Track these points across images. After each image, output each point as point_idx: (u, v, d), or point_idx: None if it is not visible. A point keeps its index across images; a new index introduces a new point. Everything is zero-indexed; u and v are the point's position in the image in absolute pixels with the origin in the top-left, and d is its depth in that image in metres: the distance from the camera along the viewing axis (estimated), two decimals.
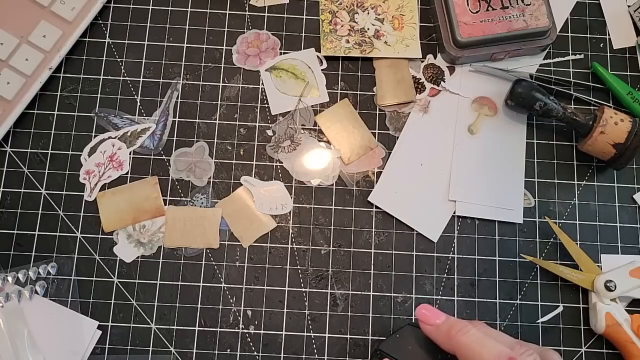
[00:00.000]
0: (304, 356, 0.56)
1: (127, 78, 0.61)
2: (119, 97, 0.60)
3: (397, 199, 0.59)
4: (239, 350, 0.56)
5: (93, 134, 0.60)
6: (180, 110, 0.60)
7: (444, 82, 0.62)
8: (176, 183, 0.59)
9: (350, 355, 0.56)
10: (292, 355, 0.56)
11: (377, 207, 0.59)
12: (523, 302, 0.57)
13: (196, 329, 0.56)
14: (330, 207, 0.59)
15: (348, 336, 0.56)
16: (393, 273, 0.57)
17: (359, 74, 0.62)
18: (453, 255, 0.58)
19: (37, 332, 0.54)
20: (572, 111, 0.57)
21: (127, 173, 0.59)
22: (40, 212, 0.58)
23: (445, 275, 0.58)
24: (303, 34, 0.62)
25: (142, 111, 0.60)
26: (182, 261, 0.57)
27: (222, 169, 0.59)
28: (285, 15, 0.63)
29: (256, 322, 0.56)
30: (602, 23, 0.64)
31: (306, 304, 0.57)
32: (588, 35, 0.63)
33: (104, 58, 0.61)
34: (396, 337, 0.52)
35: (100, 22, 0.62)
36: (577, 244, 0.57)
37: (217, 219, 0.58)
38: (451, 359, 0.50)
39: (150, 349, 0.55)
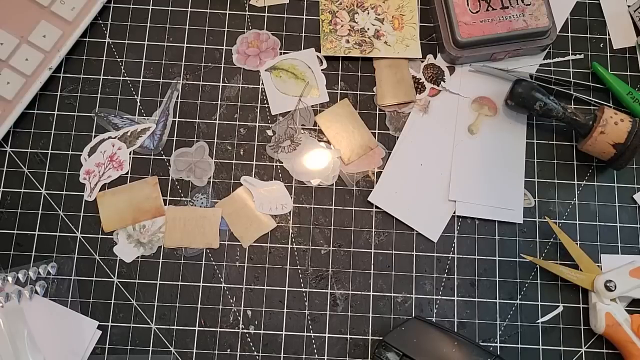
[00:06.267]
0: (304, 356, 0.56)
1: (127, 78, 0.61)
2: (119, 97, 0.60)
3: (397, 199, 0.59)
4: (239, 350, 0.56)
5: (93, 134, 0.60)
6: (180, 110, 0.60)
7: (444, 82, 0.62)
8: (176, 183, 0.59)
9: (350, 355, 0.56)
10: (292, 355, 0.56)
11: (377, 207, 0.59)
12: (523, 302, 0.57)
13: (196, 329, 0.56)
14: (330, 207, 0.59)
15: (348, 336, 0.56)
16: (393, 273, 0.57)
17: (359, 74, 0.62)
18: (453, 255, 0.58)
19: (37, 332, 0.54)
20: (572, 111, 0.57)
21: (127, 173, 0.59)
22: (40, 212, 0.58)
23: (445, 275, 0.58)
24: (303, 34, 0.62)
25: (142, 111, 0.60)
26: (182, 261, 0.57)
27: (222, 169, 0.59)
28: (285, 15, 0.63)
29: (256, 322, 0.56)
30: (602, 23, 0.64)
31: (306, 304, 0.57)
32: (588, 35, 0.63)
33: (104, 58, 0.61)
34: (401, 330, 0.52)
35: (100, 22, 0.62)
36: (577, 244, 0.57)
37: (217, 219, 0.58)
38: (455, 354, 0.50)
39: (150, 349, 0.55)
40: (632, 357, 0.53)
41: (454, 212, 0.59)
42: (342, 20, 0.62)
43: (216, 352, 0.55)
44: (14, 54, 0.58)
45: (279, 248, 0.58)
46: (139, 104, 0.60)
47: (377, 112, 0.61)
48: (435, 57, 0.62)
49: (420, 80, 0.62)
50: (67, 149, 0.59)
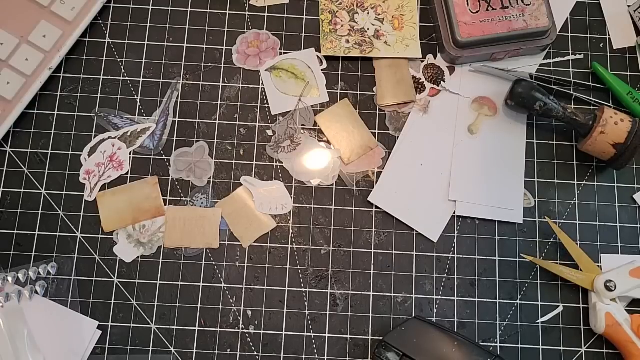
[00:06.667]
0: (304, 356, 0.56)
1: (127, 78, 0.61)
2: (119, 97, 0.60)
3: (397, 199, 0.59)
4: (239, 350, 0.56)
5: (93, 134, 0.60)
6: (180, 110, 0.60)
7: (444, 82, 0.62)
8: (176, 183, 0.59)
9: (350, 355, 0.56)
10: (292, 355, 0.56)
11: (377, 207, 0.59)
12: (523, 302, 0.57)
13: (196, 329, 0.56)
14: (330, 207, 0.59)
15: (348, 336, 0.56)
16: (393, 273, 0.57)
17: (359, 74, 0.62)
18: (453, 255, 0.58)
19: (37, 332, 0.54)
20: (572, 111, 0.57)
21: (127, 173, 0.59)
22: (40, 212, 0.58)
23: (445, 275, 0.58)
24: (303, 34, 0.62)
25: (142, 111, 0.60)
26: (182, 261, 0.57)
27: (222, 169, 0.59)
28: (285, 15, 0.63)
29: (256, 322, 0.56)
30: (602, 23, 0.64)
31: (306, 304, 0.57)
32: (588, 35, 0.63)
33: (104, 58, 0.61)
34: (402, 330, 0.52)
35: (100, 22, 0.62)
36: (577, 244, 0.57)
37: (217, 219, 0.58)
38: (455, 354, 0.50)
39: (150, 349, 0.55)
40: (632, 357, 0.53)
41: (454, 212, 0.59)
42: (342, 20, 0.62)
43: (216, 352, 0.55)
44: (14, 54, 0.58)
45: (279, 248, 0.58)
46: (139, 104, 0.60)
47: (377, 112, 0.61)
48: (435, 57, 0.62)
49: (420, 80, 0.62)
50: (67, 149, 0.59)
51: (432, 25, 0.63)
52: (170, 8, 0.63)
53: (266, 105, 0.61)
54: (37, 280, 0.56)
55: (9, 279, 0.55)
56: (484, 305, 0.57)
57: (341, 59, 0.62)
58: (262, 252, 0.58)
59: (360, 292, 0.57)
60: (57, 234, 0.57)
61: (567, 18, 0.63)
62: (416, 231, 0.58)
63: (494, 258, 0.58)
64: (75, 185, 0.58)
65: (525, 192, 0.59)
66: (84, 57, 0.61)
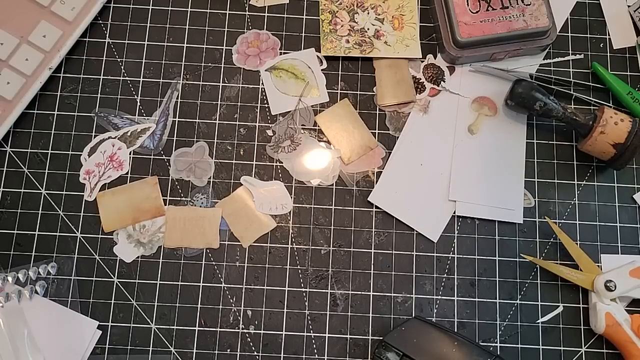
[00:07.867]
0: (304, 356, 0.56)
1: (127, 78, 0.61)
2: (119, 97, 0.60)
3: (397, 199, 0.59)
4: (239, 350, 0.56)
5: (93, 134, 0.60)
6: (180, 110, 0.60)
7: (444, 82, 0.62)
8: (176, 183, 0.59)
9: (350, 355, 0.56)
10: (292, 355, 0.56)
11: (377, 207, 0.59)
12: (523, 302, 0.57)
13: (196, 329, 0.56)
14: (330, 207, 0.59)
15: (348, 336, 0.56)
16: (393, 273, 0.57)
17: (359, 74, 0.62)
18: (453, 255, 0.58)
19: (37, 332, 0.54)
20: (572, 111, 0.57)
21: (127, 173, 0.59)
22: (40, 212, 0.58)
23: (445, 275, 0.58)
24: (303, 34, 0.62)
25: (142, 111, 0.60)
26: (182, 261, 0.57)
27: (222, 169, 0.59)
28: (285, 15, 0.63)
29: (256, 322, 0.56)
30: (602, 23, 0.64)
31: (306, 304, 0.57)
32: (588, 35, 0.63)
33: (104, 58, 0.61)
34: (402, 330, 0.52)
35: (100, 22, 0.62)
36: (577, 244, 0.57)
37: (217, 219, 0.58)
38: (455, 354, 0.50)
39: (150, 349, 0.55)
40: (632, 357, 0.53)
41: (454, 212, 0.59)
42: (342, 20, 0.62)
43: (216, 352, 0.55)
44: (14, 54, 0.58)
45: (279, 248, 0.58)
46: (139, 104, 0.60)
47: (377, 112, 0.61)
48: (435, 57, 0.62)
49: (420, 80, 0.62)
50: (67, 149, 0.59)
51: (432, 25, 0.63)
52: (170, 8, 0.63)
53: (266, 105, 0.61)
54: (37, 280, 0.56)
55: (9, 279, 0.55)
56: (484, 305, 0.57)
57: (341, 59, 0.62)
58: (262, 252, 0.58)
59: (360, 292, 0.57)
60: (57, 234, 0.57)
61: (567, 18, 0.63)
62: (416, 231, 0.58)
63: (494, 258, 0.58)
64: (75, 185, 0.58)
65: (525, 192, 0.59)
66: (84, 57, 0.61)
